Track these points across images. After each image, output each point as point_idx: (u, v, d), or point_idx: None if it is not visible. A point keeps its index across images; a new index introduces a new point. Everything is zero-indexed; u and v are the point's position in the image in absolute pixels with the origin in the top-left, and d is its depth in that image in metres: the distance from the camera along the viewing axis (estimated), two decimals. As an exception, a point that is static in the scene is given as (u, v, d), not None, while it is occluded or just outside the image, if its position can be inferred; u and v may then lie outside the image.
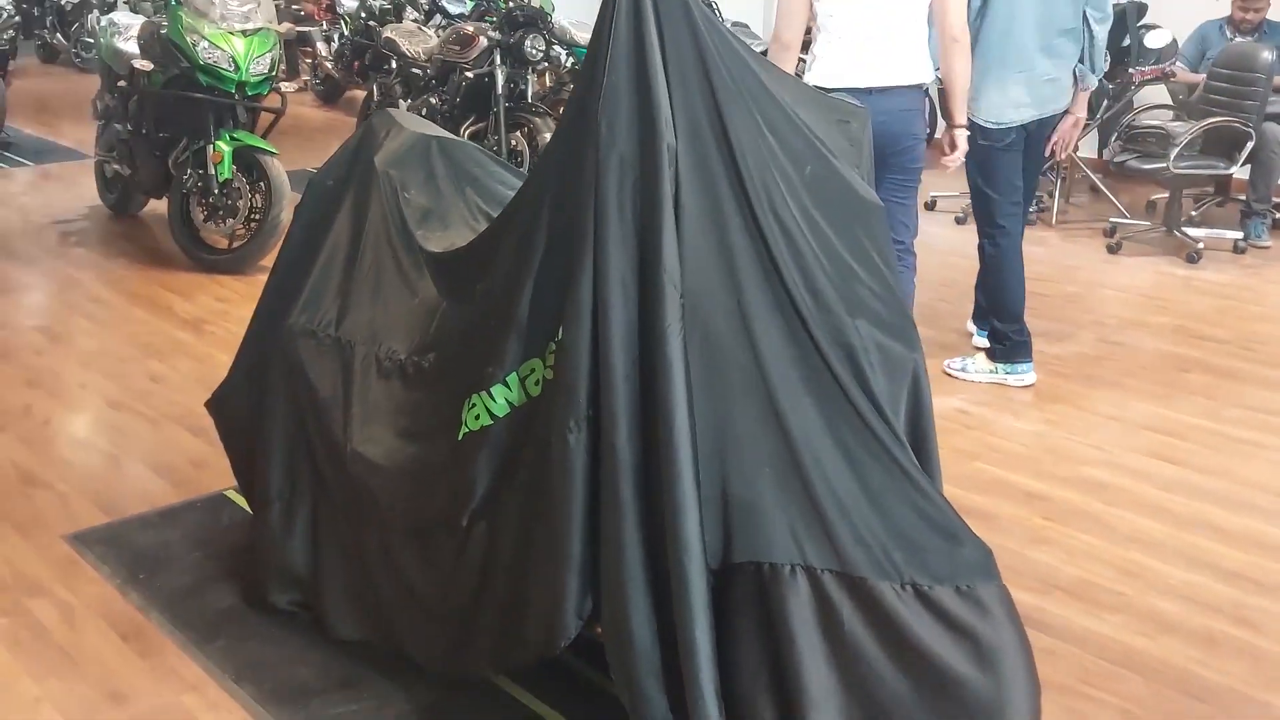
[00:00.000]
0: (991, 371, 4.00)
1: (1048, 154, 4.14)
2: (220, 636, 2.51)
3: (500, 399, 2.11)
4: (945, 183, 6.95)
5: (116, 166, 5.77)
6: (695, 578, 1.83)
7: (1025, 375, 3.98)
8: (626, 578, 1.90)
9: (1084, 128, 6.40)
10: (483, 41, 6.78)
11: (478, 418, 2.14)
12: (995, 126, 3.68)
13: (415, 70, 7.37)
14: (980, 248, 3.93)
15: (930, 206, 6.58)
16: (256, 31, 5.17)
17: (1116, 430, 3.64)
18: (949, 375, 4.04)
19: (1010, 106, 3.66)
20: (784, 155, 1.87)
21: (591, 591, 1.98)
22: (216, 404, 2.77)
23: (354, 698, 2.32)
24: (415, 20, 8.37)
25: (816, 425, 1.83)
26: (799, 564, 1.81)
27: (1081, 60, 3.78)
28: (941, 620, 1.78)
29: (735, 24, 8.80)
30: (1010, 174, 3.78)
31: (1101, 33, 3.75)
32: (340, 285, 2.55)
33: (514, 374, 2.09)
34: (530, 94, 6.47)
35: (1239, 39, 5.89)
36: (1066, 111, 3.93)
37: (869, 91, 3.18)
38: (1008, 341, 3.96)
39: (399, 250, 2.50)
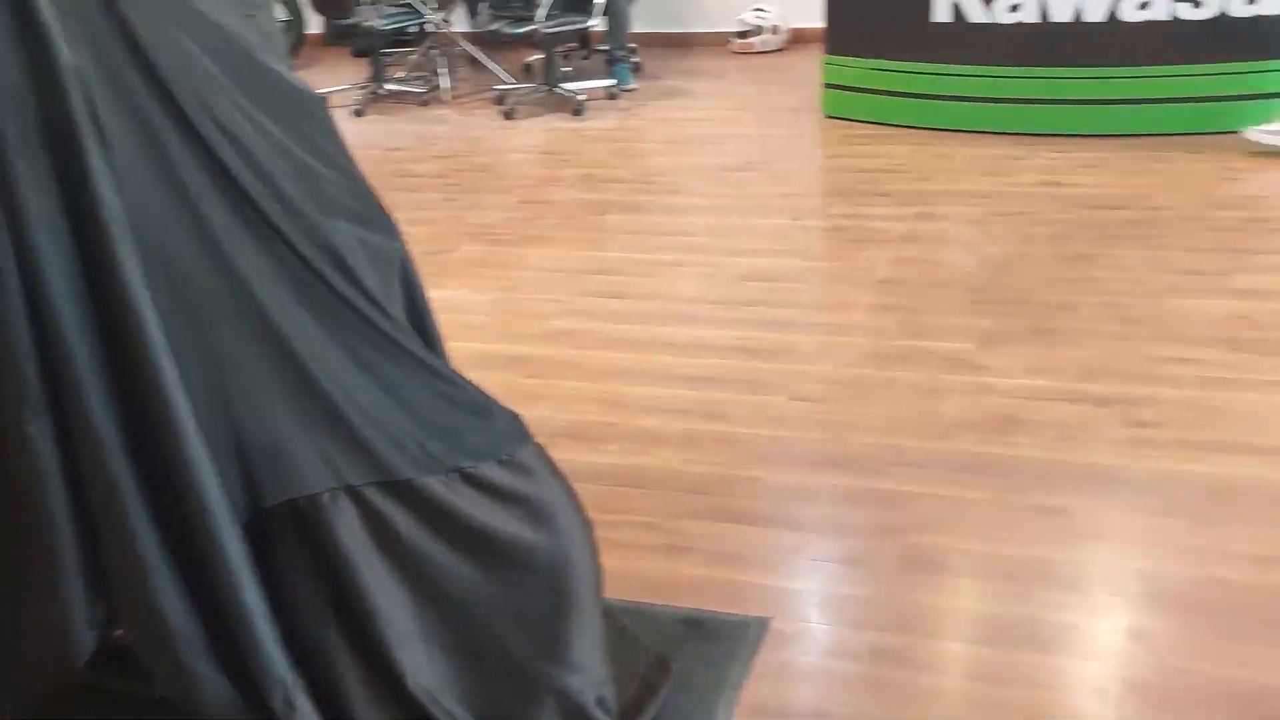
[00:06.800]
0: None
1: None
2: None
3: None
4: (332, 80, 6.79)
5: None
6: (227, 539, 1.67)
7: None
8: (144, 563, 1.69)
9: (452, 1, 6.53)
10: None
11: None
12: None
13: None
14: None
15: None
16: None
17: (564, 281, 3.88)
18: None
19: None
20: (208, 57, 1.67)
21: (100, 595, 1.75)
22: None
23: None
24: None
25: (319, 338, 1.71)
26: (337, 486, 1.72)
27: None
28: (491, 495, 1.80)
29: None
30: None
31: None
32: None
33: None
34: None
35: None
36: None
37: None
38: None
39: None
